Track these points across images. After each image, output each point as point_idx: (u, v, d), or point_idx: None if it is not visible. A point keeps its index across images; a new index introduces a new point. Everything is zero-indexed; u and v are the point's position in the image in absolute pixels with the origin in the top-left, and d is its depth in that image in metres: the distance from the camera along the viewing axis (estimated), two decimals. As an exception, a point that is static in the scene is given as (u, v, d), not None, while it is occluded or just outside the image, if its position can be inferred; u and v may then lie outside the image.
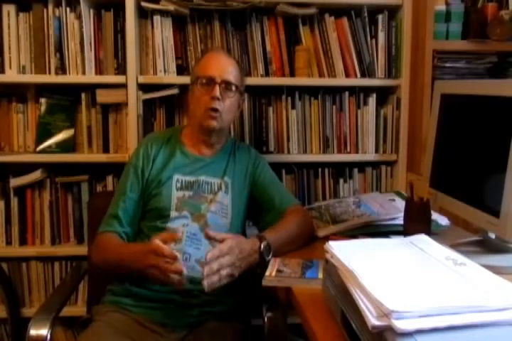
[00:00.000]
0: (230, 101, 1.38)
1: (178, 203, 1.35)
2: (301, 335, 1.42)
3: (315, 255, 1.20)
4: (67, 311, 1.46)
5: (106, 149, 1.81)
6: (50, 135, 1.80)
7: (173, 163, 1.40)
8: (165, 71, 1.77)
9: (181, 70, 1.79)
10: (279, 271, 1.11)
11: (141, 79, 1.74)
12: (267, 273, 1.10)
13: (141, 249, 1.17)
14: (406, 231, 1.24)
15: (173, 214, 1.34)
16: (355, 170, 1.90)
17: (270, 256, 1.20)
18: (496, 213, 1.01)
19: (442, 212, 1.43)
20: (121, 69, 1.76)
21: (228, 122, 1.46)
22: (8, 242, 1.81)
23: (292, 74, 1.82)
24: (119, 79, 1.74)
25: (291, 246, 1.28)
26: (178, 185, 1.37)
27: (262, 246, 1.19)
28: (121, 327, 1.23)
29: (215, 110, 1.35)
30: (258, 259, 1.18)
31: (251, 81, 1.69)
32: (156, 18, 1.75)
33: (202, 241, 1.31)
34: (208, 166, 1.41)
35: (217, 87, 1.35)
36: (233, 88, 1.38)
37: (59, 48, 1.72)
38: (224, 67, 1.39)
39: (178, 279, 1.11)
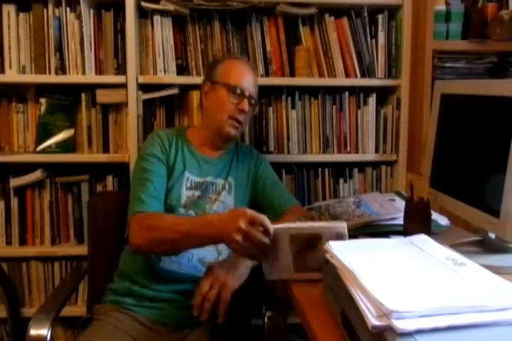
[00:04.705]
0: (249, 115, 1.45)
1: (187, 201, 1.35)
2: (301, 335, 1.42)
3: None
4: (67, 311, 1.46)
5: (106, 149, 1.81)
6: (50, 135, 1.80)
7: (183, 160, 1.40)
8: (165, 71, 1.77)
9: (181, 70, 1.79)
10: None
11: (141, 79, 1.74)
12: None
13: (220, 218, 1.11)
14: (406, 231, 1.24)
15: (181, 211, 1.34)
16: (355, 170, 1.90)
17: None
18: (496, 213, 1.01)
19: (442, 212, 1.43)
20: (121, 69, 1.76)
21: (242, 132, 1.55)
22: (8, 242, 1.81)
23: (292, 74, 1.82)
24: (119, 79, 1.74)
25: None
26: (188, 184, 1.37)
27: None
28: (121, 326, 1.24)
29: (239, 122, 1.39)
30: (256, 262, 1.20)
31: (251, 81, 1.69)
32: (156, 18, 1.75)
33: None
34: (213, 167, 1.43)
35: (246, 101, 1.38)
36: (253, 102, 1.43)
37: (59, 48, 1.72)
38: (252, 81, 1.43)
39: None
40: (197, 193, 1.37)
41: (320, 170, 1.89)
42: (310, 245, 1.02)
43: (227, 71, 1.43)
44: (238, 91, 1.38)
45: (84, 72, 1.74)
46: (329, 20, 1.81)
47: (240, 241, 1.01)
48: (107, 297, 1.35)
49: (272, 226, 1.02)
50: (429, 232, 1.15)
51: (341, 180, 1.90)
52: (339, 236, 1.00)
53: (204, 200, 1.37)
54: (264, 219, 1.02)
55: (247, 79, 1.41)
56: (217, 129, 1.40)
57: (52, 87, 1.81)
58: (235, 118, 1.38)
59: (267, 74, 1.81)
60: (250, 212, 1.04)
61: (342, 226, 1.01)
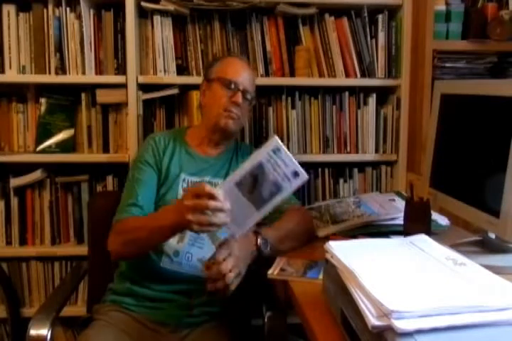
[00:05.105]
0: (245, 109, 1.43)
1: None
2: (301, 335, 1.42)
3: (315, 255, 1.20)
4: (67, 311, 1.46)
5: (106, 149, 1.81)
6: (50, 135, 1.80)
7: (179, 162, 1.40)
8: (165, 71, 1.77)
9: (181, 70, 1.79)
10: (282, 269, 1.13)
11: (141, 79, 1.74)
12: (270, 271, 1.12)
13: (172, 206, 1.13)
14: (406, 231, 1.24)
15: None
16: (355, 170, 1.90)
17: (268, 249, 1.19)
18: (496, 213, 1.01)
19: (442, 212, 1.43)
20: (121, 69, 1.76)
21: (241, 127, 1.51)
22: (8, 242, 1.81)
23: (292, 74, 1.82)
24: (119, 79, 1.74)
25: (292, 242, 1.28)
26: (185, 185, 1.37)
27: (258, 241, 1.18)
28: (121, 326, 1.24)
29: (234, 114, 1.38)
30: (257, 254, 1.18)
31: (251, 81, 1.69)
32: (156, 18, 1.75)
33: (205, 241, 1.31)
34: (212, 167, 1.42)
35: (239, 93, 1.38)
36: (249, 97, 1.42)
37: (59, 48, 1.72)
38: (247, 75, 1.43)
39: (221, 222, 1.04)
40: None
41: (320, 170, 1.89)
42: (257, 179, 1.02)
43: (223, 67, 1.44)
44: (231, 84, 1.39)
45: (84, 72, 1.74)
46: (329, 20, 1.81)
47: (193, 218, 1.02)
48: (107, 297, 1.35)
49: (213, 189, 1.01)
50: (429, 232, 1.15)
51: (341, 180, 1.90)
52: (276, 152, 0.99)
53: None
54: (202, 186, 1.02)
55: (242, 74, 1.42)
56: (214, 124, 1.40)
57: (52, 87, 1.81)
58: (229, 110, 1.38)
59: (267, 74, 1.81)
60: (190, 188, 1.04)
61: (271, 142, 0.99)
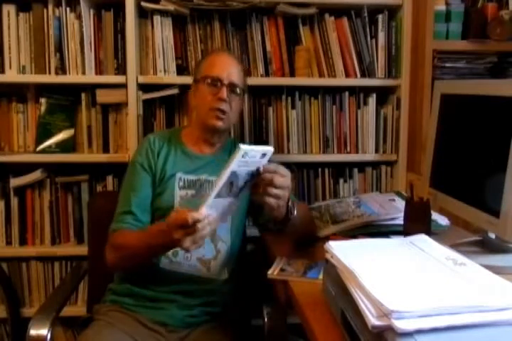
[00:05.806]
0: (235, 103, 1.40)
1: (181, 202, 1.34)
2: (301, 335, 1.42)
3: (315, 255, 1.20)
4: (67, 311, 1.46)
5: (106, 149, 1.81)
6: (50, 135, 1.80)
7: (174, 162, 1.39)
8: (165, 71, 1.77)
9: (181, 70, 1.79)
10: (282, 269, 1.13)
11: (141, 79, 1.74)
12: (270, 271, 1.12)
13: (162, 229, 1.11)
14: (406, 231, 1.24)
15: None
16: (355, 170, 1.90)
17: (295, 213, 1.17)
18: (496, 213, 1.01)
19: (442, 212, 1.43)
20: (121, 69, 1.76)
21: (233, 122, 1.48)
22: (8, 242, 1.81)
23: (292, 74, 1.82)
24: (119, 79, 1.74)
25: (301, 226, 1.26)
26: (181, 183, 1.36)
27: (290, 201, 1.15)
28: (121, 326, 1.24)
29: (222, 111, 1.36)
30: (284, 214, 1.16)
31: (251, 81, 1.68)
32: (156, 18, 1.75)
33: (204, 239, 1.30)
34: (208, 164, 1.41)
35: (224, 89, 1.36)
36: (238, 90, 1.39)
37: (59, 48, 1.72)
38: (231, 69, 1.40)
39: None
40: (190, 192, 1.36)
41: (320, 170, 1.89)
42: (233, 181, 1.04)
43: (206, 65, 1.42)
44: (215, 81, 1.36)
45: (84, 72, 1.74)
46: (329, 20, 1.81)
47: (188, 244, 1.03)
48: (107, 297, 1.35)
49: (195, 214, 1.00)
50: (429, 232, 1.15)
51: (341, 180, 1.90)
52: (245, 155, 1.00)
53: (200, 199, 1.36)
54: (185, 216, 1.00)
55: (226, 68, 1.39)
56: (204, 124, 1.39)
57: (52, 87, 1.81)
58: (216, 108, 1.36)
59: (267, 74, 1.81)
60: (171, 222, 1.04)
61: (238, 152, 0.99)
